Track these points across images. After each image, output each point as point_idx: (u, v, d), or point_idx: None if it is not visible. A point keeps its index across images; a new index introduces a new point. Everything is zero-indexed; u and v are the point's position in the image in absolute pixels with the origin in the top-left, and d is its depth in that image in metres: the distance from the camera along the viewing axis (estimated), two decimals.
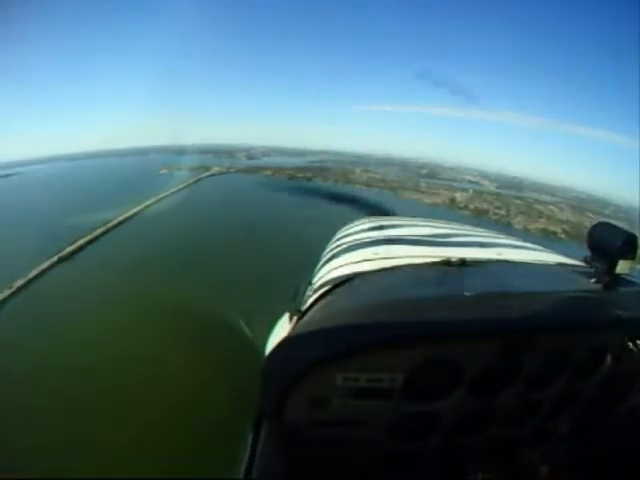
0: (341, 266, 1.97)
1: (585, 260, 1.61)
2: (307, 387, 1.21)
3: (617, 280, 1.49)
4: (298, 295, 2.06)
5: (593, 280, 1.55)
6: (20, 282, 27.07)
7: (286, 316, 2.11)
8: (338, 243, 2.63)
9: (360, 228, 2.84)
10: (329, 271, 2.01)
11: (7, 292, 25.67)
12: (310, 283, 2.12)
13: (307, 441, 1.32)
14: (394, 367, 1.20)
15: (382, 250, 2.03)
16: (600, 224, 1.54)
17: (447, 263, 1.66)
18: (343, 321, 1.25)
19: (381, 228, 2.68)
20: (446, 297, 1.36)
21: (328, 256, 2.42)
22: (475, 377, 1.25)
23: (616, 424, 1.46)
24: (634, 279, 1.59)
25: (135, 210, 46.63)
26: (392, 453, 1.42)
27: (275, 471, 1.25)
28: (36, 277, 28.49)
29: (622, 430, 1.53)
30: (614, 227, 1.50)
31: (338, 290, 1.63)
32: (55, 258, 31.56)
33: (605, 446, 1.54)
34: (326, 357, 1.17)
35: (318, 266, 2.42)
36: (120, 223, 42.69)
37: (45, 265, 30.29)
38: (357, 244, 2.37)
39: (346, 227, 3.08)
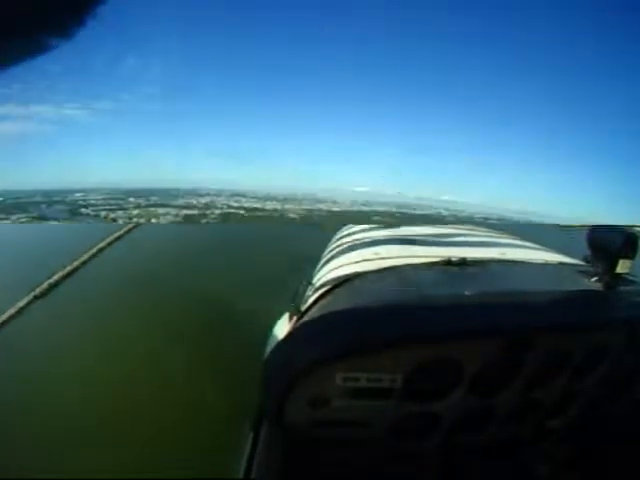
0: (341, 266, 1.97)
1: (586, 259, 1.63)
2: (307, 387, 1.22)
3: (618, 279, 1.50)
4: (298, 295, 2.07)
5: (594, 279, 1.57)
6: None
7: (285, 316, 2.13)
8: (338, 243, 2.63)
9: (360, 228, 2.86)
10: (329, 271, 2.01)
11: None
12: (310, 283, 2.14)
13: (307, 441, 1.34)
14: (394, 367, 1.21)
15: (382, 250, 2.04)
16: (599, 225, 1.58)
17: (448, 263, 1.67)
18: (343, 321, 1.27)
19: (382, 228, 2.72)
20: (446, 297, 1.37)
21: (328, 256, 2.43)
22: (475, 376, 1.27)
23: (617, 423, 1.48)
24: (635, 278, 1.61)
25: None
26: (392, 453, 1.43)
27: (275, 471, 1.29)
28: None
29: (623, 429, 1.53)
30: (614, 226, 1.54)
31: (338, 290, 1.64)
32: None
33: (605, 446, 1.55)
34: (326, 357, 1.18)
35: (318, 266, 2.43)
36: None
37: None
38: (357, 244, 2.37)
39: (346, 227, 3.08)
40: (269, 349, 1.37)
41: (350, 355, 1.18)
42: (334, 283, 1.71)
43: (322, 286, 1.77)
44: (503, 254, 2.01)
